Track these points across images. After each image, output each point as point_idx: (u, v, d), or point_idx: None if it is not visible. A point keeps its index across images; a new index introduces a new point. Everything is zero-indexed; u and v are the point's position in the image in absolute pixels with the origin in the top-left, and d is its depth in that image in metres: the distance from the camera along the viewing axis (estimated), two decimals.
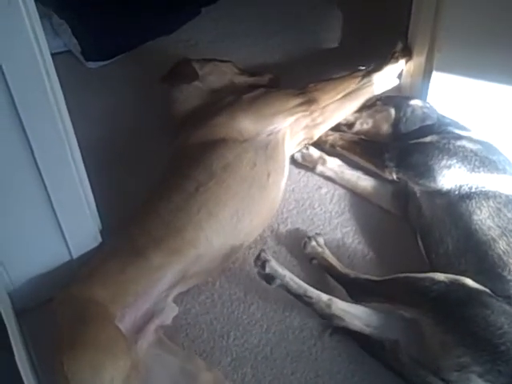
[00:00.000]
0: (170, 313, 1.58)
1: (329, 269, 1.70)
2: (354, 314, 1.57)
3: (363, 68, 2.00)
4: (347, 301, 1.60)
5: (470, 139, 1.76)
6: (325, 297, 1.59)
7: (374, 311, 1.57)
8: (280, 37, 2.35)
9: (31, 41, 1.25)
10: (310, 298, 1.59)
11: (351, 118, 1.97)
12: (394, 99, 1.97)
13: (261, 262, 1.60)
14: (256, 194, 1.69)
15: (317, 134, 1.93)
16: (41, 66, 1.30)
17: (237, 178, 1.67)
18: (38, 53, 1.29)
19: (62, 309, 1.47)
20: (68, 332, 1.40)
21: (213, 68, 1.99)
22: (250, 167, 1.70)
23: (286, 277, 1.60)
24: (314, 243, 1.74)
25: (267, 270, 1.60)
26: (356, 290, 1.61)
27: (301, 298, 1.60)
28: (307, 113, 1.86)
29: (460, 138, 1.76)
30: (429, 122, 1.88)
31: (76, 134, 1.52)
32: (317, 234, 1.78)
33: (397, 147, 1.82)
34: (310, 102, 1.86)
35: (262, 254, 1.61)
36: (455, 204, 1.66)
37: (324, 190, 1.93)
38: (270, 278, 1.60)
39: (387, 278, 1.57)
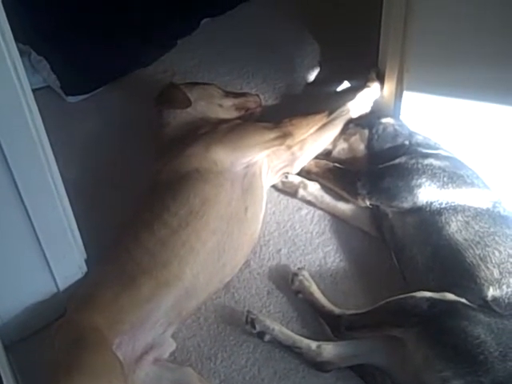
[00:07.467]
0: (168, 347, 1.60)
1: (314, 304, 1.71)
2: (344, 353, 1.58)
3: (337, 102, 2.03)
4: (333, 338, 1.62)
5: (437, 156, 1.80)
6: (314, 345, 1.61)
7: (359, 341, 1.60)
8: (255, 65, 2.37)
9: (13, 79, 1.29)
10: (300, 348, 1.62)
11: (328, 146, 1.99)
12: (366, 119, 2.00)
13: (250, 322, 1.65)
14: (235, 229, 1.69)
15: (297, 166, 1.95)
16: (23, 103, 1.33)
17: (214, 214, 1.66)
18: (20, 90, 1.32)
19: (60, 334, 1.48)
20: (65, 357, 1.40)
21: (202, 92, 1.99)
22: (227, 203, 1.70)
23: (275, 330, 1.64)
24: (300, 277, 1.74)
25: (257, 328, 1.64)
26: (341, 328, 1.62)
27: (290, 349, 1.63)
28: (282, 147, 1.87)
29: (427, 156, 1.80)
30: (400, 139, 1.92)
31: (59, 167, 1.55)
32: (299, 268, 1.78)
33: (368, 174, 1.85)
34: (285, 136, 1.86)
35: (250, 316, 1.65)
36: (426, 221, 1.69)
37: (304, 211, 1.96)
38: (261, 335, 1.65)
39: (371, 309, 1.58)
